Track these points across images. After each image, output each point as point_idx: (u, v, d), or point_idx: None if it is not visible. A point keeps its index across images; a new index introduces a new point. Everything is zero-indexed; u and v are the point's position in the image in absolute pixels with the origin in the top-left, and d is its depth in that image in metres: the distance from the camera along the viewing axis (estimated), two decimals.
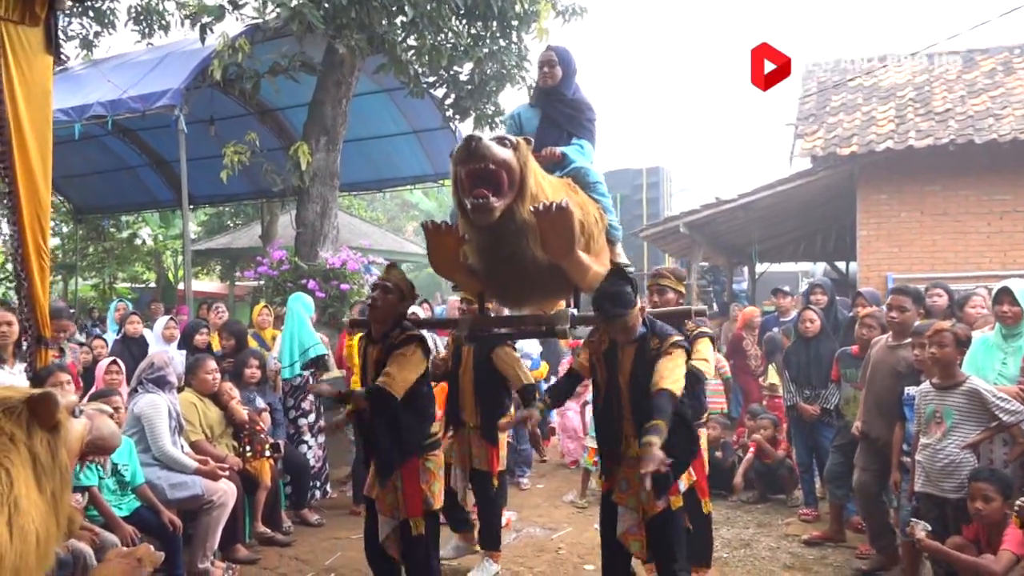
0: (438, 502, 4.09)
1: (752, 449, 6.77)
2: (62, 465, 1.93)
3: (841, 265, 15.85)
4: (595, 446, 6.63)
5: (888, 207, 10.10)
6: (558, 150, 4.18)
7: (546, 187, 3.54)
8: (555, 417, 7.85)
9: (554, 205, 3.27)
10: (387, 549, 4.07)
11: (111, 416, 2.32)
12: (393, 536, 4.06)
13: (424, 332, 4.27)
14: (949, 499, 4.06)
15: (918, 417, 4.31)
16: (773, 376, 7.70)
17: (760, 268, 16.47)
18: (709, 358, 4.56)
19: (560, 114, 4.37)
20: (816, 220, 13.42)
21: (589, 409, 7.07)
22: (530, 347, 7.54)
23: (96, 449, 2.24)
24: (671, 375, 3.44)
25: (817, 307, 6.34)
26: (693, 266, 12.95)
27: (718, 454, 6.85)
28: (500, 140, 3.33)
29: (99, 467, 4.37)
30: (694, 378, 4.32)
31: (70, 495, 1.98)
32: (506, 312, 4.78)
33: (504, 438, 5.20)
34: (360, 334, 4.58)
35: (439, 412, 5.88)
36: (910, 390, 4.48)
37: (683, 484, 3.58)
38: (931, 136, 9.55)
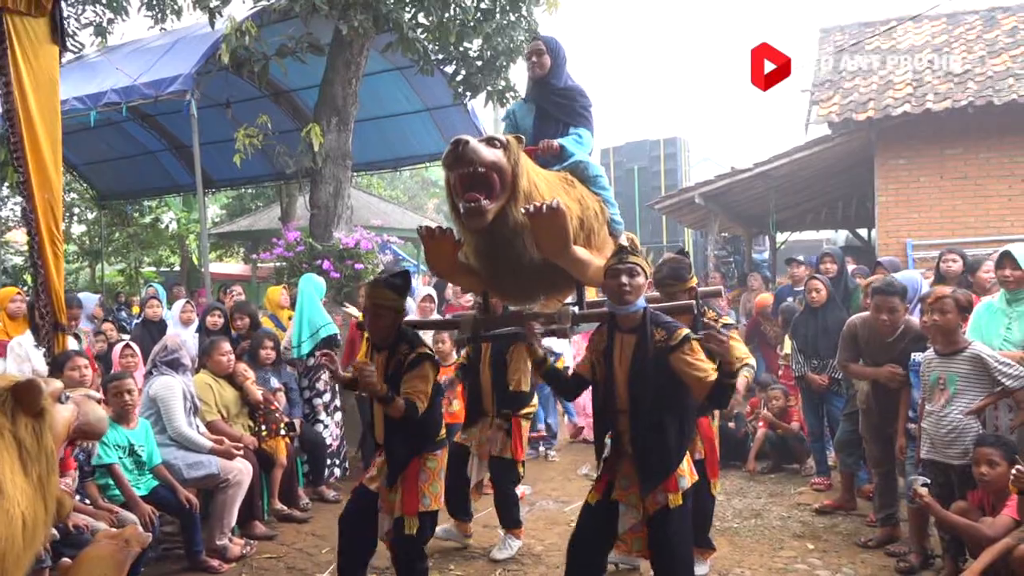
0: (435, 503, 4.03)
1: (763, 424, 6.77)
2: (47, 450, 1.99)
3: (864, 232, 15.66)
4: None
5: (907, 172, 9.95)
6: (556, 143, 4.11)
7: (541, 185, 3.49)
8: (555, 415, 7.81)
9: (544, 206, 3.22)
10: (386, 545, 4.08)
11: (99, 402, 2.38)
12: (393, 532, 4.04)
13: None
14: (954, 465, 4.05)
15: (923, 384, 4.29)
16: (789, 347, 7.67)
17: (781, 237, 16.31)
18: (747, 357, 4.48)
19: (553, 105, 4.31)
20: (835, 187, 13.24)
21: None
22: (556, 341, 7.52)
23: (84, 434, 2.31)
24: (706, 365, 3.26)
25: (826, 276, 6.30)
26: (710, 237, 12.85)
27: (731, 424, 6.87)
28: (489, 141, 3.29)
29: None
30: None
31: (57, 479, 2.04)
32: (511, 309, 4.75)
33: (526, 426, 5.22)
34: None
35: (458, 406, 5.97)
36: (916, 356, 4.45)
37: (685, 481, 3.37)
38: (949, 98, 9.37)
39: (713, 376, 3.22)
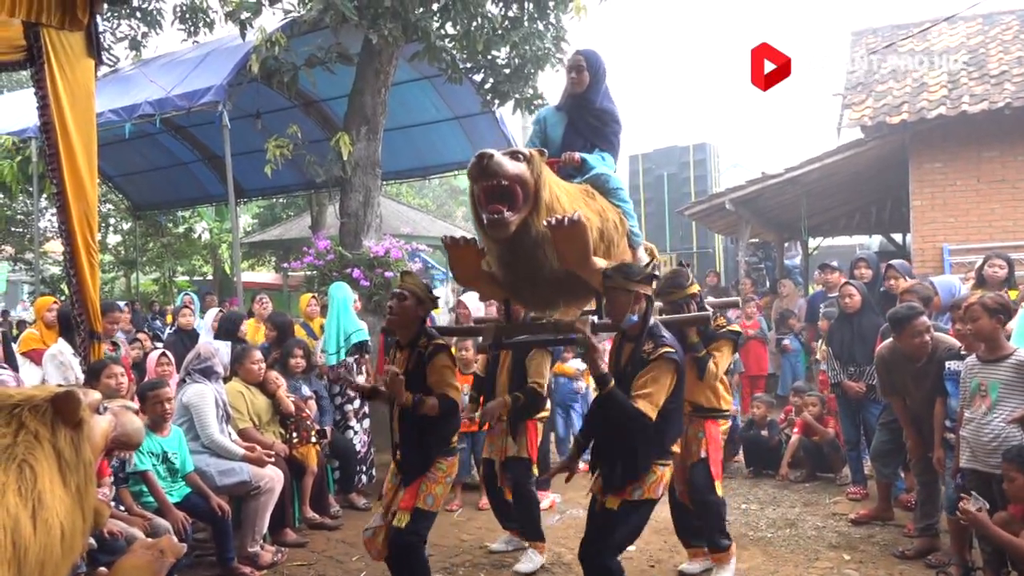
0: (437, 504, 4.03)
1: (797, 429, 6.68)
2: (86, 461, 2.01)
3: (898, 237, 15.41)
4: None
5: (942, 176, 9.78)
6: (578, 156, 4.18)
7: (562, 197, 3.58)
8: None
9: (566, 218, 3.33)
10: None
11: (136, 412, 2.40)
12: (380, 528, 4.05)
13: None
14: (995, 475, 3.95)
15: (963, 391, 4.20)
16: (823, 353, 7.57)
17: (813, 243, 16.13)
18: (721, 366, 4.56)
19: (585, 124, 4.35)
20: (869, 192, 13.06)
21: None
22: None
23: (121, 445, 2.33)
24: (648, 393, 3.45)
25: (860, 281, 6.20)
26: (741, 243, 12.73)
27: (764, 433, 6.79)
28: (513, 154, 3.39)
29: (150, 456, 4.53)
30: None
31: (95, 489, 2.06)
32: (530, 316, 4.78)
33: (540, 428, 5.28)
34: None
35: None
36: (951, 364, 4.36)
37: (637, 493, 3.55)
38: (986, 100, 9.20)
39: (645, 411, 3.41)
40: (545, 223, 3.36)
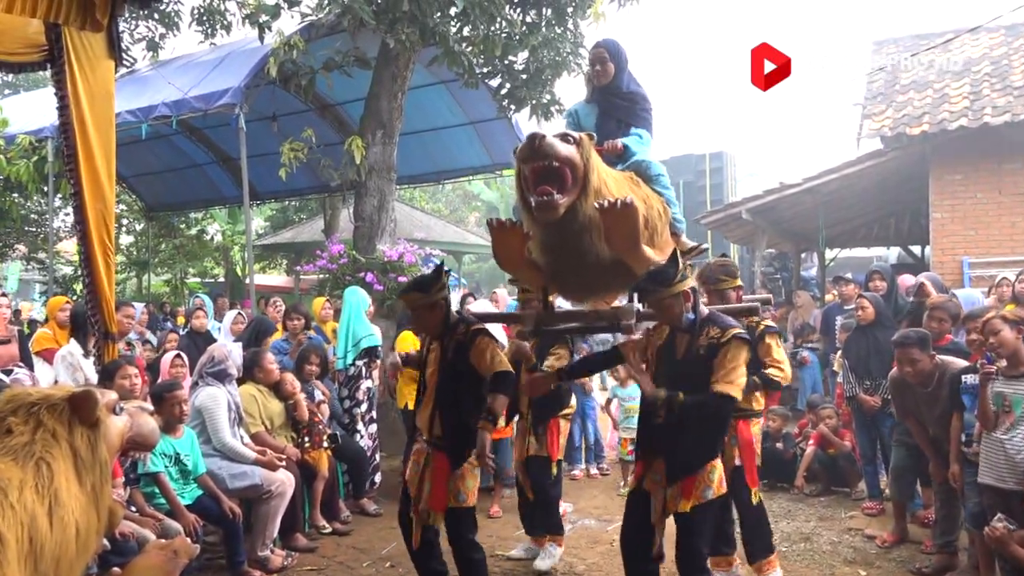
0: (471, 499, 4.02)
1: (813, 441, 6.64)
2: (102, 460, 2.04)
3: (917, 250, 15.33)
4: (629, 436, 6.69)
5: (963, 188, 9.74)
6: (619, 142, 4.20)
7: (609, 182, 3.57)
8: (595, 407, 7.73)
9: (619, 201, 3.31)
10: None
11: (151, 414, 2.42)
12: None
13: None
14: (1015, 491, 3.92)
15: (981, 406, 4.16)
16: (839, 365, 7.54)
17: (831, 254, 16.05)
18: (784, 361, 4.53)
19: (616, 107, 4.38)
20: (888, 203, 13.00)
21: (616, 403, 7.18)
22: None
23: (136, 445, 2.36)
24: (729, 375, 3.39)
25: (875, 294, 6.18)
26: (757, 253, 12.69)
27: (779, 445, 6.76)
28: (563, 137, 3.38)
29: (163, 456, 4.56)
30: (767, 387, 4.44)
31: (110, 489, 2.08)
32: (568, 306, 4.80)
33: (565, 426, 5.27)
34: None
35: None
36: (968, 378, 4.34)
37: (709, 492, 3.49)
38: (1008, 112, 9.16)
39: (722, 390, 3.37)
40: (596, 205, 3.34)
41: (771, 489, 6.73)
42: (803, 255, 15.96)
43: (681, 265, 3.53)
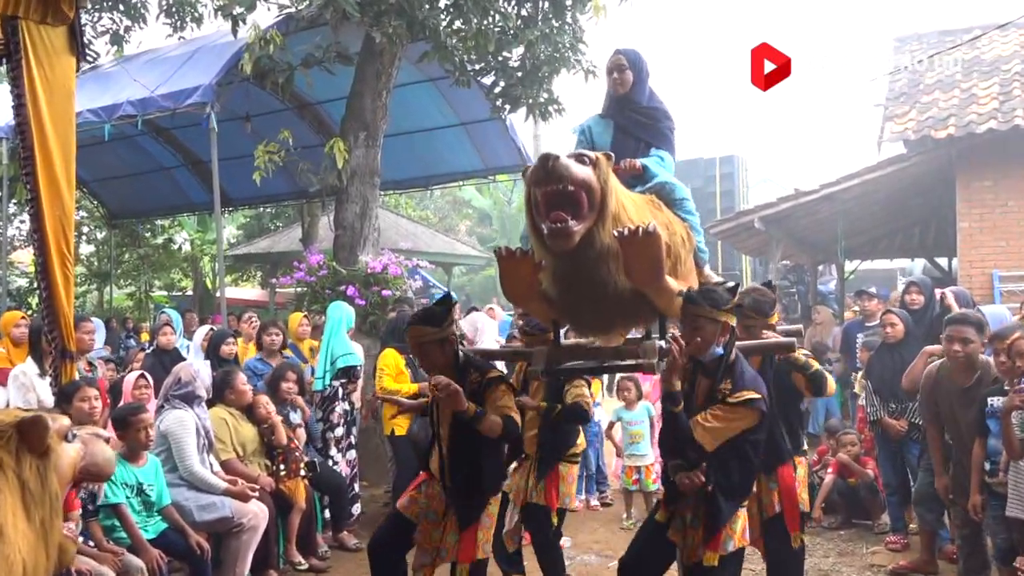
0: (488, 550, 4.06)
1: (832, 469, 6.64)
2: (52, 492, 2.01)
3: (943, 262, 15.39)
4: (633, 465, 6.78)
5: (992, 195, 9.78)
6: (639, 162, 4.15)
7: (629, 207, 3.52)
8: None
9: (640, 229, 3.24)
10: None
11: (107, 441, 2.40)
12: (428, 569, 4.07)
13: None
14: None
15: (1008, 433, 4.17)
16: (861, 387, 7.54)
17: (850, 266, 16.11)
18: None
19: (635, 123, 4.36)
20: (911, 212, 13.06)
21: (619, 427, 7.17)
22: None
23: (90, 476, 2.34)
24: (717, 429, 3.45)
25: (910, 308, 6.19)
26: (771, 265, 12.73)
27: None
28: (579, 157, 3.31)
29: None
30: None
31: (61, 524, 2.06)
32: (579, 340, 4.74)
33: (574, 471, 5.16)
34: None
35: None
36: (994, 401, 4.34)
37: (731, 544, 3.52)
38: None
39: (702, 441, 3.42)
40: (616, 233, 3.29)
41: None
42: (820, 267, 16.01)
43: (736, 298, 3.52)
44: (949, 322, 4.70)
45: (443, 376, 3.84)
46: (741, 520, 3.59)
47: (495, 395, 3.93)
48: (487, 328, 7.62)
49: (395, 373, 6.21)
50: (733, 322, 3.52)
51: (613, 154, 3.68)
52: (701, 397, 3.57)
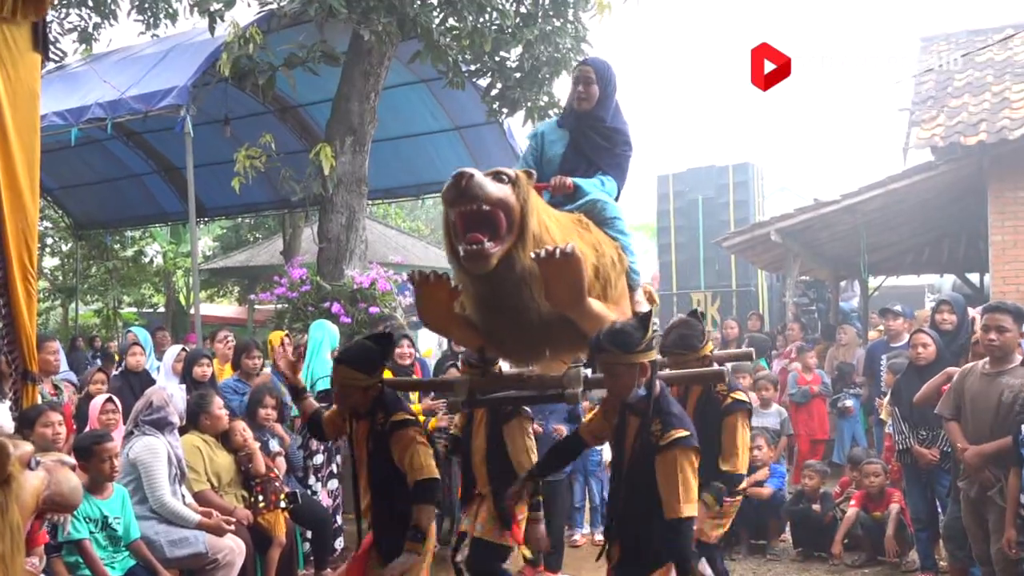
0: None
1: (855, 502, 6.63)
2: (13, 524, 2.01)
3: (975, 278, 15.41)
4: None
5: None
6: (570, 181, 4.20)
7: (552, 227, 3.58)
8: None
9: (558, 250, 3.28)
10: None
11: (73, 469, 2.40)
12: None
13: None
14: None
15: None
16: (888, 413, 7.54)
17: (874, 282, 16.12)
18: (743, 443, 4.54)
19: (592, 144, 4.39)
20: (940, 224, 13.09)
21: None
22: None
23: (55, 506, 2.33)
24: (687, 492, 3.37)
25: (940, 328, 6.19)
26: (789, 281, 12.74)
27: (816, 507, 6.74)
28: (496, 175, 3.39)
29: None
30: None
31: (23, 559, 2.05)
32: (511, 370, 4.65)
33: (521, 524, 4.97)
34: None
35: None
36: None
37: None
38: None
39: (685, 515, 3.35)
40: (533, 255, 3.34)
41: (806, 559, 6.70)
42: (842, 284, 16.01)
43: (651, 332, 3.50)
44: (986, 310, 4.84)
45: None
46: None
47: (400, 443, 3.91)
48: None
49: None
50: (650, 359, 3.49)
51: (555, 166, 3.71)
52: (632, 436, 3.56)
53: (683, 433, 3.42)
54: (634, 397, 3.50)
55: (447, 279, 3.67)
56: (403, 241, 19.80)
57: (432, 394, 6.49)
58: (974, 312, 6.46)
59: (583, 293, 3.47)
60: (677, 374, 4.25)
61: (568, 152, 4.39)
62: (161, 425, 5.18)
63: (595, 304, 3.60)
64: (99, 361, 11.90)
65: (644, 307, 4.27)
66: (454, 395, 4.11)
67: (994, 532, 4.73)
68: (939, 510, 5.96)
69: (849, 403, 9.02)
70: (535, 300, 3.48)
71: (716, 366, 4.43)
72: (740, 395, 4.62)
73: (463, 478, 5.14)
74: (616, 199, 4.40)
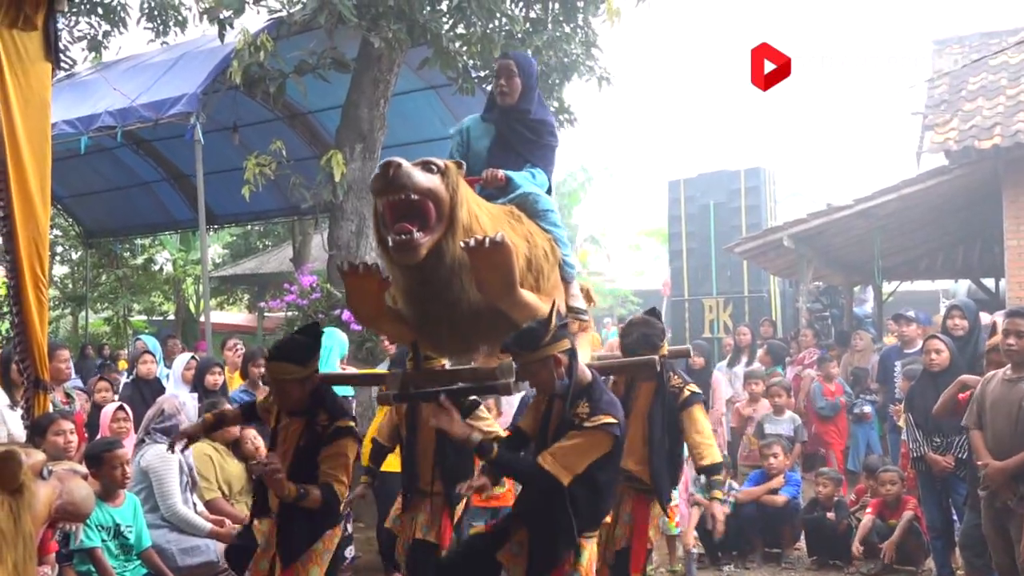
0: None
1: (871, 510, 6.61)
2: (26, 533, 2.02)
3: (990, 283, 15.34)
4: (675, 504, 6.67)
5: None
6: (502, 173, 4.20)
7: (482, 217, 3.61)
8: None
9: (487, 239, 3.31)
10: None
11: (85, 477, 2.41)
12: None
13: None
14: None
15: None
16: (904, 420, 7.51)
17: (888, 288, 16.07)
18: (707, 433, 4.57)
19: (517, 136, 4.40)
20: (955, 229, 13.05)
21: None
22: None
23: (67, 515, 2.34)
24: (566, 455, 3.50)
25: (952, 334, 6.17)
26: (802, 287, 12.71)
27: (830, 515, 6.72)
28: (425, 165, 3.41)
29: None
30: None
31: (35, 568, 2.07)
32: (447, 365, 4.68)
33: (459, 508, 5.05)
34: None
35: None
36: None
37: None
38: None
39: (556, 473, 3.48)
40: (463, 245, 3.36)
41: (820, 567, 6.68)
42: (856, 289, 15.97)
43: (554, 324, 3.54)
44: (1007, 315, 4.83)
45: (274, 458, 3.91)
46: (588, 552, 3.66)
47: (331, 450, 3.96)
48: None
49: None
50: (560, 350, 3.56)
51: (482, 160, 3.73)
52: (555, 419, 3.66)
53: (611, 420, 3.54)
54: (561, 388, 3.59)
55: (377, 270, 3.66)
56: None
57: None
58: (995, 317, 6.43)
59: (514, 283, 3.51)
60: (608, 363, 4.33)
61: (495, 146, 4.40)
62: (172, 433, 5.19)
63: (527, 295, 3.64)
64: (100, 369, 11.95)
65: (579, 301, 4.34)
66: (387, 388, 4.18)
67: (1016, 542, 4.71)
68: (955, 518, 5.93)
69: (867, 409, 8.97)
70: (466, 291, 3.52)
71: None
72: (694, 387, 4.66)
73: (403, 475, 5.04)
74: (548, 192, 4.43)
